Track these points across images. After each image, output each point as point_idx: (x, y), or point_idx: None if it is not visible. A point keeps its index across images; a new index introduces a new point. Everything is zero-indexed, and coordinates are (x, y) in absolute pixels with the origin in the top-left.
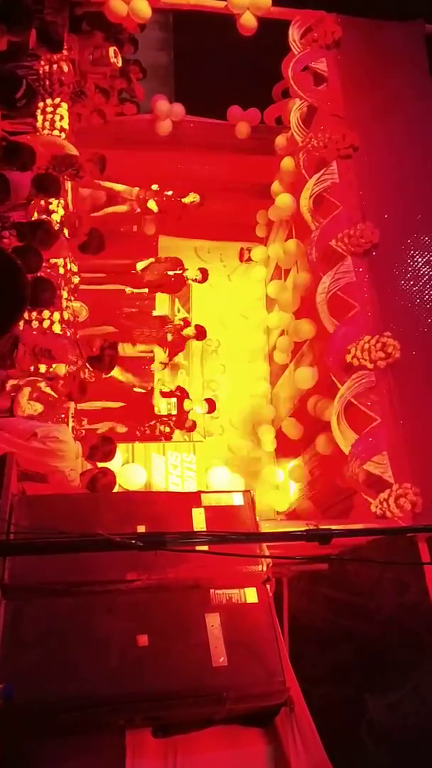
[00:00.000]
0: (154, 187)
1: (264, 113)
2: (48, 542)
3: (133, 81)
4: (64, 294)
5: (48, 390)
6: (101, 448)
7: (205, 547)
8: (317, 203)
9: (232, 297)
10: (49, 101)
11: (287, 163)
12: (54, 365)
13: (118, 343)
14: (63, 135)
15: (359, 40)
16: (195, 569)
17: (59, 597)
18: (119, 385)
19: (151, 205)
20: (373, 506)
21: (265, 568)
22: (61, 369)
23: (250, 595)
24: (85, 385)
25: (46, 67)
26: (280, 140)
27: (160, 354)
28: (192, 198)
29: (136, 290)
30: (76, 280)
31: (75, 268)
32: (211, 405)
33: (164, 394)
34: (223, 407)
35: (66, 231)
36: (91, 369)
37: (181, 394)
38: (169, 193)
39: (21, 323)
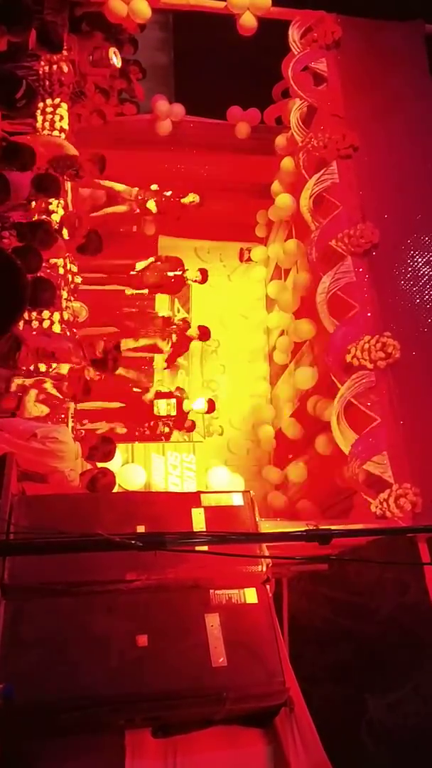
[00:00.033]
0: (154, 187)
1: (264, 113)
2: (48, 542)
3: (133, 81)
4: (64, 294)
5: (53, 391)
6: (101, 448)
7: (205, 547)
8: (317, 203)
9: (232, 297)
10: (49, 101)
11: (287, 163)
12: (57, 365)
13: (121, 344)
14: (63, 135)
15: (359, 40)
16: (195, 569)
17: (59, 597)
18: (119, 386)
19: (151, 205)
20: (373, 506)
21: (264, 569)
22: (65, 368)
23: (250, 595)
24: (89, 386)
25: (46, 68)
26: (280, 140)
27: (160, 357)
28: (191, 198)
29: (136, 291)
30: (78, 279)
31: (75, 269)
32: (211, 405)
33: (161, 395)
34: (223, 407)
35: (65, 231)
36: (96, 371)
37: (180, 394)
38: (168, 193)
39: (21, 323)
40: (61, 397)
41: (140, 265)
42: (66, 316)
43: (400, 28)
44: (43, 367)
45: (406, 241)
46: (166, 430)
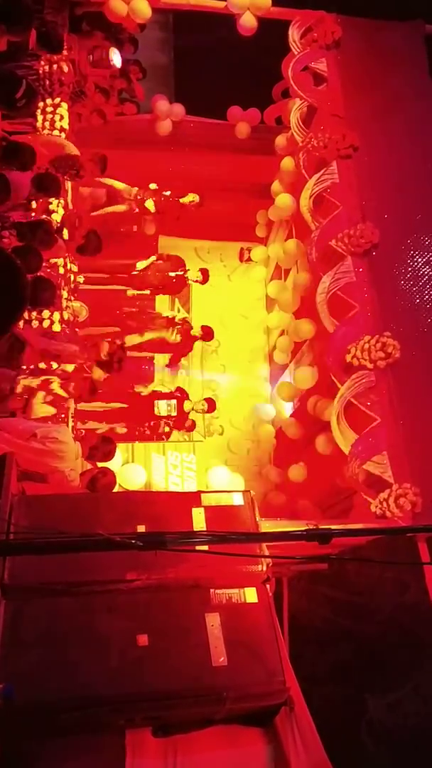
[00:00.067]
0: (152, 186)
1: (264, 113)
2: (48, 542)
3: (133, 81)
4: (64, 294)
5: (60, 391)
6: (101, 448)
7: (205, 547)
8: (317, 203)
9: (232, 297)
10: (49, 101)
11: (287, 163)
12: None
13: (126, 340)
14: (63, 135)
15: (359, 40)
16: (195, 569)
17: (59, 597)
18: (120, 386)
19: (149, 204)
20: (373, 506)
21: (264, 568)
22: (71, 366)
23: (250, 595)
24: (95, 386)
25: (46, 67)
26: (280, 140)
27: (161, 357)
28: (191, 198)
29: (137, 292)
30: (81, 279)
31: (75, 268)
32: (211, 405)
33: (162, 396)
34: (223, 407)
35: (65, 231)
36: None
37: (181, 395)
38: (167, 193)
39: (21, 323)
40: (67, 396)
41: (141, 265)
42: (66, 315)
43: (400, 28)
44: (42, 365)
45: (406, 241)
46: (167, 429)
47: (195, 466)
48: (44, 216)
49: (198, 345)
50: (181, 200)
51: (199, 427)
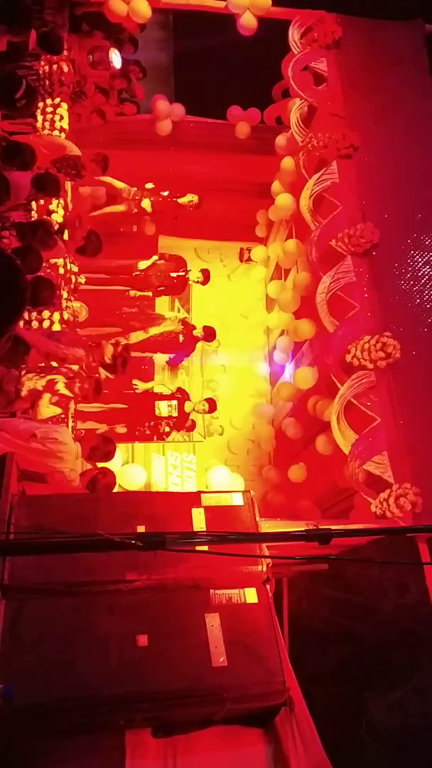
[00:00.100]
0: (149, 185)
1: (264, 113)
2: (48, 542)
3: (133, 81)
4: (64, 294)
5: (65, 391)
6: (101, 448)
7: (205, 547)
8: (317, 203)
9: (232, 297)
10: (49, 101)
11: (287, 163)
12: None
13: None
14: (63, 135)
15: (359, 40)
16: (195, 569)
17: (59, 597)
18: (121, 387)
19: (145, 204)
20: (373, 506)
21: (265, 568)
22: (74, 366)
23: (250, 595)
24: (100, 386)
25: (46, 67)
26: (280, 140)
27: (161, 357)
28: (189, 199)
29: (140, 293)
30: (82, 279)
31: (75, 269)
32: (212, 405)
33: (163, 397)
34: (223, 407)
35: (65, 232)
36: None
37: (181, 396)
38: (165, 193)
39: (21, 323)
40: (72, 396)
41: (143, 265)
42: (66, 315)
43: (400, 28)
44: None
45: (406, 241)
46: (167, 429)
47: (195, 467)
48: (44, 216)
49: (198, 345)
50: (179, 200)
51: (199, 427)
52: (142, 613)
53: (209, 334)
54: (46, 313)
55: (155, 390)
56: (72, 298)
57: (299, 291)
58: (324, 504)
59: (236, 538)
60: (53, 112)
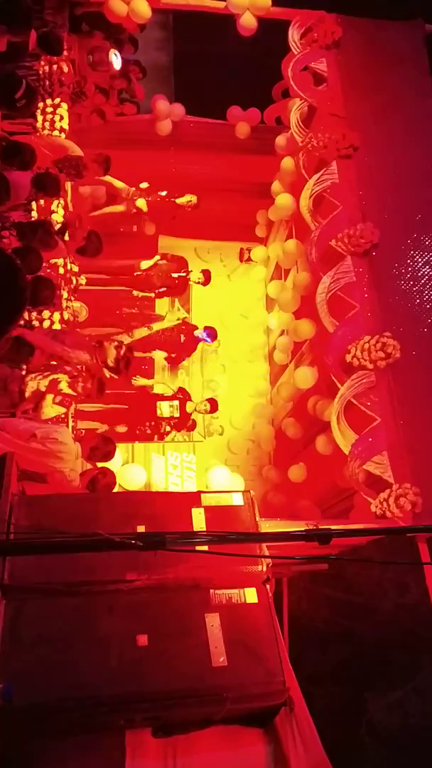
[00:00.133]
0: (143, 185)
1: (264, 113)
2: (48, 542)
3: (133, 81)
4: (64, 294)
5: (69, 390)
6: (101, 448)
7: (205, 547)
8: (317, 203)
9: (232, 297)
10: (49, 101)
11: (287, 163)
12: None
13: (133, 349)
14: (63, 135)
15: (359, 40)
16: (195, 569)
17: (59, 597)
18: (123, 388)
19: (140, 203)
20: (373, 506)
21: (265, 568)
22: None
23: (250, 595)
24: (103, 384)
25: (46, 67)
26: (280, 140)
27: (160, 357)
28: (188, 199)
29: (144, 294)
30: (83, 281)
31: (76, 268)
32: (213, 405)
33: (164, 398)
34: (223, 407)
35: (66, 232)
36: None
37: (183, 396)
38: (164, 193)
39: (21, 322)
40: (75, 395)
41: (146, 265)
42: (66, 315)
43: (400, 28)
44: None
45: (406, 241)
46: (168, 429)
47: (195, 466)
48: (45, 216)
49: (199, 345)
50: (178, 201)
51: (199, 427)
52: (142, 613)
53: (210, 334)
54: (46, 313)
55: (157, 390)
56: (72, 298)
57: (299, 291)
58: (324, 504)
59: (236, 538)
60: (53, 112)
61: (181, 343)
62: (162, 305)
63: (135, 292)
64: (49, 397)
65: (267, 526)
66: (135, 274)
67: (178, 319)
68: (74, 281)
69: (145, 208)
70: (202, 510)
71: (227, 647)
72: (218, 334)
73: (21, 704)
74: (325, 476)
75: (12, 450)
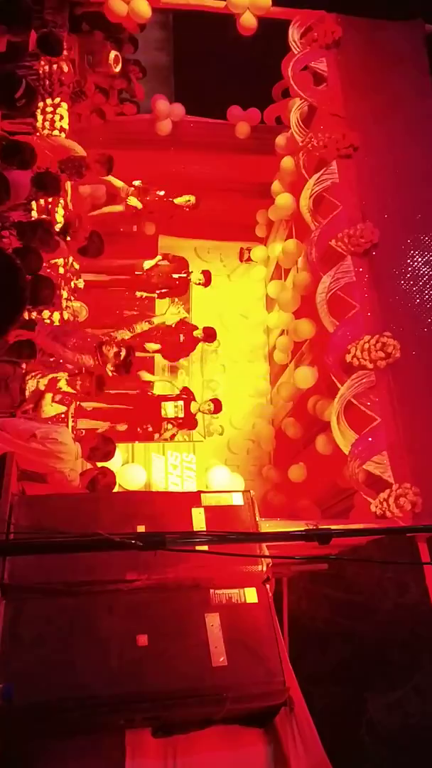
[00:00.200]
0: (136, 182)
1: (264, 113)
2: (48, 542)
3: (133, 81)
4: (64, 294)
5: (68, 389)
6: (101, 448)
7: (205, 547)
8: (317, 203)
9: (232, 297)
10: (49, 101)
11: (287, 163)
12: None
13: (134, 349)
14: (63, 135)
15: (359, 40)
16: (195, 569)
17: (59, 597)
18: (128, 388)
19: (132, 201)
20: (373, 506)
21: (264, 568)
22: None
23: (250, 595)
24: (103, 382)
25: (46, 67)
26: (280, 140)
27: (160, 357)
28: (186, 199)
29: (147, 294)
30: (81, 284)
31: (77, 266)
32: (217, 405)
33: (169, 398)
34: (223, 407)
35: (67, 232)
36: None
37: (187, 396)
38: (162, 193)
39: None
40: (74, 393)
41: (148, 264)
42: (66, 315)
43: (400, 28)
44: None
45: (406, 241)
46: (170, 427)
47: (195, 466)
48: (45, 216)
49: (198, 345)
50: (176, 201)
51: (199, 427)
52: (142, 613)
53: (209, 335)
54: (46, 313)
55: (161, 390)
56: (72, 298)
57: (299, 291)
58: (324, 504)
59: (236, 538)
60: (53, 112)
61: (180, 343)
62: (162, 305)
63: (138, 293)
64: (48, 395)
65: (267, 526)
66: (136, 273)
67: (180, 318)
68: (72, 285)
69: (139, 206)
70: (202, 510)
71: (227, 647)
72: (218, 334)
73: (21, 704)
74: (325, 476)
75: (12, 450)
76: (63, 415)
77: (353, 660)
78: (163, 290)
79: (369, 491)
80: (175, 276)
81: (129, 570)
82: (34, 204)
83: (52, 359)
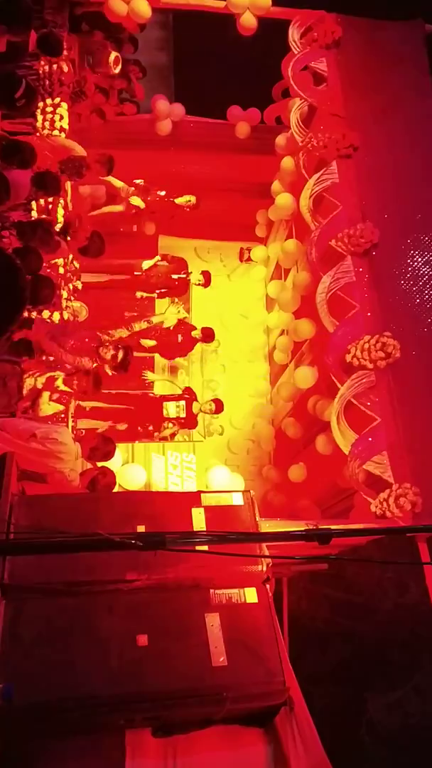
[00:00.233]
0: (138, 181)
1: (264, 113)
2: (48, 542)
3: (133, 81)
4: (64, 294)
5: (65, 387)
6: (101, 448)
7: (205, 547)
8: (317, 203)
9: (232, 297)
10: (49, 101)
11: (287, 163)
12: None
13: (132, 349)
14: (63, 135)
15: (359, 40)
16: (195, 569)
17: (59, 597)
18: (129, 388)
19: (135, 201)
20: (373, 506)
21: (264, 568)
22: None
23: (250, 595)
24: (99, 380)
25: (46, 67)
26: (280, 140)
27: (160, 357)
28: (187, 199)
29: (147, 294)
30: (79, 285)
31: (77, 265)
32: (218, 405)
33: (171, 398)
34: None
35: (68, 232)
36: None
37: (189, 396)
38: (162, 193)
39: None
40: (71, 391)
41: (147, 264)
42: (66, 315)
43: (400, 28)
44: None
45: (406, 241)
46: (170, 425)
47: (195, 466)
48: (45, 215)
49: (198, 345)
50: (176, 201)
51: (198, 427)
52: (142, 612)
53: (208, 335)
54: (45, 313)
55: (163, 391)
56: (72, 298)
57: (299, 291)
58: (324, 504)
59: (236, 538)
60: (53, 112)
61: (179, 343)
62: (162, 304)
63: (139, 293)
64: (46, 394)
65: (267, 526)
66: (135, 273)
67: (179, 318)
68: (71, 287)
69: (142, 205)
70: (202, 510)
71: (227, 647)
72: (218, 334)
73: (21, 704)
74: (325, 476)
75: (12, 450)
76: (63, 415)
77: (353, 660)
78: (162, 290)
79: (369, 491)
80: (174, 276)
81: (129, 570)
82: (34, 204)
83: (50, 358)
